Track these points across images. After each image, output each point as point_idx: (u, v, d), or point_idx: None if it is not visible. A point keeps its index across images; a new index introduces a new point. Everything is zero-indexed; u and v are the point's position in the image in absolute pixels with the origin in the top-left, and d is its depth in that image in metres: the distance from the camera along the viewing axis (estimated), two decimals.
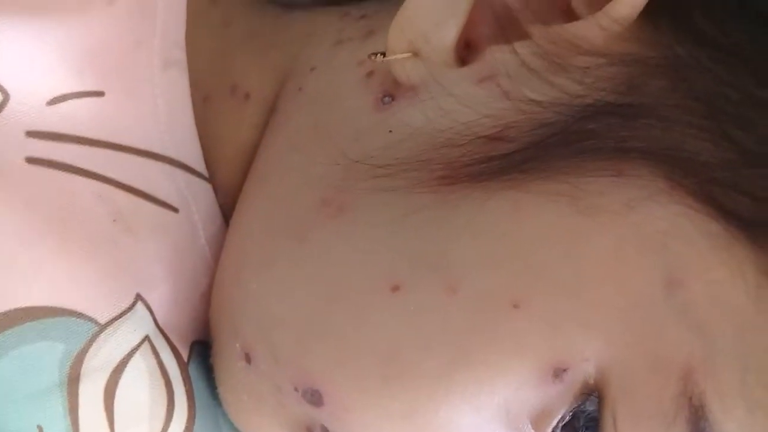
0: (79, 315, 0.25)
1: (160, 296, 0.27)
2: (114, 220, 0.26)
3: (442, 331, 0.24)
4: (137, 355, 0.26)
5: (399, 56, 0.26)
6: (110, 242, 0.26)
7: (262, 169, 0.29)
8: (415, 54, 0.26)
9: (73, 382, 0.25)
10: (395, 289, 0.24)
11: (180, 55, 0.29)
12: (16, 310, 0.24)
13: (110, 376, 0.25)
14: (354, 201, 0.26)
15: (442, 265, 0.24)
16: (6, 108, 0.24)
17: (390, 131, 0.26)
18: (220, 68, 0.31)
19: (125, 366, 0.26)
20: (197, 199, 0.29)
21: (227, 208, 0.30)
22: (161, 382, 0.27)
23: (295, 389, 0.25)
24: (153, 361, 0.27)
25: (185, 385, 0.28)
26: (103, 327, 0.25)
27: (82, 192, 0.26)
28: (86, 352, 0.25)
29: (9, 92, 0.24)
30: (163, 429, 0.27)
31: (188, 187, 0.29)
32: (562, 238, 0.23)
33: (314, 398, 0.25)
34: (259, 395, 0.27)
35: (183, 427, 0.28)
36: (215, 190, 0.30)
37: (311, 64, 0.30)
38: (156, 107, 0.28)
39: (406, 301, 0.24)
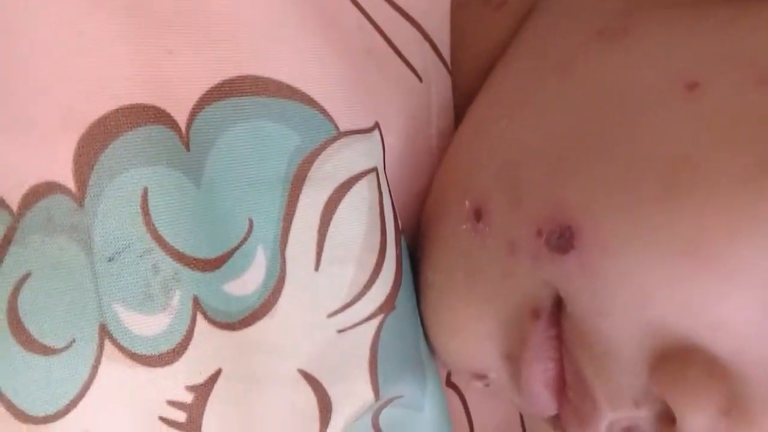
0: (323, 111, 0.24)
1: (388, 147, 0.27)
2: (368, 52, 0.26)
3: (749, 128, 0.21)
4: (363, 181, 0.25)
5: None
6: (362, 65, 0.26)
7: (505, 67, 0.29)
8: None
9: (297, 182, 0.24)
10: (692, 86, 0.22)
11: None
12: (268, 79, 0.23)
13: (335, 191, 0.24)
14: (637, 22, 0.25)
15: (747, 59, 0.22)
16: None
17: None
18: None
19: (350, 187, 0.25)
20: (438, 83, 0.29)
21: (459, 111, 0.30)
22: (378, 227, 0.25)
23: (538, 233, 0.24)
24: (375, 197, 0.25)
25: (396, 247, 0.27)
26: (340, 135, 0.24)
27: (348, 14, 0.26)
28: (319, 154, 0.24)
29: None
30: (367, 283, 0.25)
31: (433, 67, 0.29)
32: None
33: (562, 241, 0.23)
34: (480, 266, 0.26)
35: (387, 290, 0.26)
36: (453, 88, 0.30)
37: None
38: None
39: (703, 98, 0.22)
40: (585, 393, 0.24)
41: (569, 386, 0.25)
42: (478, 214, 0.26)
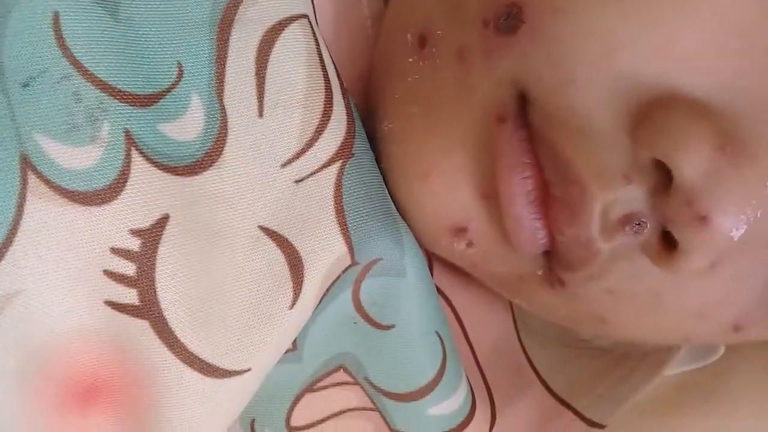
0: None
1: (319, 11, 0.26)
2: None
3: None
4: (295, 25, 0.24)
5: None
6: None
7: None
8: None
9: (224, 25, 0.22)
10: None
11: None
12: None
13: (266, 32, 0.23)
14: None
15: None
16: None
17: None
18: None
19: (282, 30, 0.23)
20: None
21: None
22: (319, 71, 0.24)
23: (485, 24, 0.23)
24: (312, 43, 0.24)
25: (344, 98, 0.25)
26: None
27: None
28: None
29: None
30: (318, 126, 0.24)
31: None
32: None
33: (510, 20, 0.22)
34: (434, 92, 0.25)
35: (342, 135, 0.24)
36: None
37: None
38: None
39: None
40: (569, 180, 0.22)
41: (552, 183, 0.23)
42: (422, 41, 0.25)
